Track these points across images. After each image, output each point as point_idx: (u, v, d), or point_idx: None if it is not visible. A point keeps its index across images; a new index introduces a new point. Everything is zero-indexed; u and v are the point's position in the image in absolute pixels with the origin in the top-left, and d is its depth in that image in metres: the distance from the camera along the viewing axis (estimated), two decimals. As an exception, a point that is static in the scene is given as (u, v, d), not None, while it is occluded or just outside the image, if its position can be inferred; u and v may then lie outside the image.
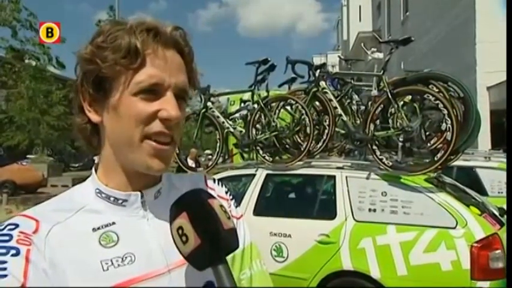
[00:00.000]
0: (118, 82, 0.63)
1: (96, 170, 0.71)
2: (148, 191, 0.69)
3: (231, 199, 0.82)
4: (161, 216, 0.69)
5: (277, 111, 4.16)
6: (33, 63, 11.19)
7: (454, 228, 2.88)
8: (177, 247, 0.60)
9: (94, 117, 0.67)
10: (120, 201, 0.68)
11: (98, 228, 0.65)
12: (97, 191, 0.68)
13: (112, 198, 0.68)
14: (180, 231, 0.59)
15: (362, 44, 6.93)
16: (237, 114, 4.70)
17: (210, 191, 0.77)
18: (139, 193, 0.68)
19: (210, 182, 0.82)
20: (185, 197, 0.62)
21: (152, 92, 0.63)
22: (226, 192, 0.82)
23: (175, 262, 0.66)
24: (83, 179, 0.73)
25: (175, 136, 0.66)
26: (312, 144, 3.72)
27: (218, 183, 0.83)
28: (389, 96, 3.28)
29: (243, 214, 0.84)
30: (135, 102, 0.63)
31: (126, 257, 0.64)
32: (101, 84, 0.64)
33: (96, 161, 0.73)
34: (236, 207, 0.81)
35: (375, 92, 3.55)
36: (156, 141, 0.64)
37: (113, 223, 0.66)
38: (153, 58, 0.63)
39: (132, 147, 0.64)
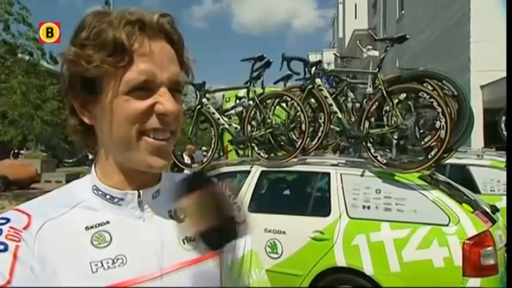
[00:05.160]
0: (107, 82, 0.60)
1: (94, 167, 0.69)
2: (146, 191, 0.67)
3: None
4: (158, 218, 0.67)
5: (272, 108, 4.15)
6: (26, 57, 11.05)
7: (447, 225, 2.91)
8: (183, 224, 0.63)
9: (87, 119, 0.65)
10: (116, 200, 0.65)
11: (91, 227, 0.62)
12: (94, 187, 0.66)
13: (108, 196, 0.65)
14: (194, 209, 0.62)
15: (357, 42, 6.93)
16: (232, 111, 4.69)
17: None
18: (136, 192, 0.66)
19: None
20: (202, 178, 0.67)
21: (145, 88, 0.60)
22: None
23: (170, 267, 0.64)
24: (77, 175, 0.71)
25: (174, 130, 0.63)
26: (307, 141, 3.73)
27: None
28: (384, 94, 3.29)
29: None
30: (128, 102, 0.59)
31: (117, 259, 0.61)
32: (90, 84, 0.61)
33: (90, 157, 0.72)
34: None
35: (370, 90, 3.56)
36: (154, 138, 0.61)
37: (107, 222, 0.64)
38: (142, 53, 0.59)
39: (130, 146, 0.61)
